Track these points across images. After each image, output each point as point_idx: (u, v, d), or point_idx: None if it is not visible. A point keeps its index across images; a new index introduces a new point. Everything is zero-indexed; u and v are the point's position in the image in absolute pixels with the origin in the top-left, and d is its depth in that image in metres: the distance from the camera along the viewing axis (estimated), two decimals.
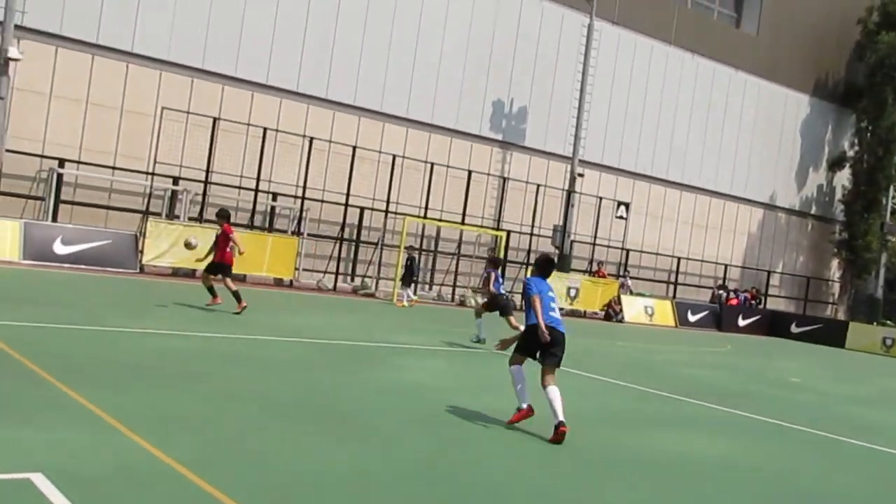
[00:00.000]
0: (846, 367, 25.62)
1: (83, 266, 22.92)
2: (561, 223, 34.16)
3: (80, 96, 26.50)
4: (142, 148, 27.10)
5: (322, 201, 29.76)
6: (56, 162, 25.25)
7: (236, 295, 16.47)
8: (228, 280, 16.69)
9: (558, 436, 8.53)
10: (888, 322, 45.04)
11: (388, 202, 30.18)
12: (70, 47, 26.14)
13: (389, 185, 30.06)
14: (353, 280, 30.17)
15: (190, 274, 24.90)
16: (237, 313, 16.15)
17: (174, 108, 26.43)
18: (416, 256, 28.64)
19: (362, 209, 30.34)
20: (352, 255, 30.84)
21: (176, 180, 26.64)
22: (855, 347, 34.32)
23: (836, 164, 46.97)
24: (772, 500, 7.64)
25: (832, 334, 35.08)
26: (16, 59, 23.13)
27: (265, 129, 27.29)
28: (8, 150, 23.62)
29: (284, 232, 28.36)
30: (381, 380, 11.17)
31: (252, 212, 27.53)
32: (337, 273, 28.97)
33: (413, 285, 26.15)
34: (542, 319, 8.84)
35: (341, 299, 25.65)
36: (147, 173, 26.48)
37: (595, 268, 34.47)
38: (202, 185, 26.46)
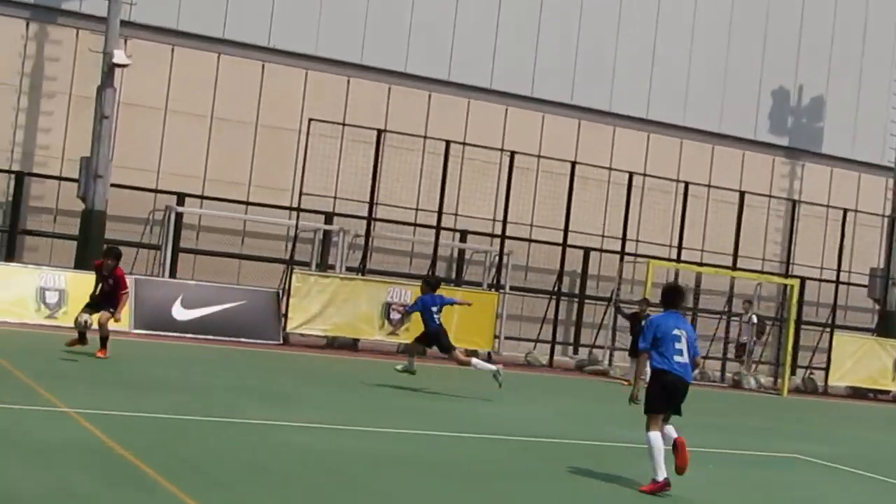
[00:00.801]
0: None
1: (209, 337, 23.68)
2: (882, 265, 32.78)
3: (203, 109, 27.69)
4: (283, 175, 28.01)
5: (530, 240, 29.87)
6: (174, 198, 26.40)
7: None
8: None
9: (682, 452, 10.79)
10: None
11: (623, 240, 29.77)
12: (189, 44, 27.38)
13: (626, 216, 29.69)
14: (576, 352, 29.94)
15: (350, 346, 25.33)
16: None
17: (324, 118, 27.15)
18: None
19: (587, 251, 30.20)
20: (573, 317, 30.69)
21: (329, 217, 27.34)
22: None
23: None
24: None
25: None
26: (122, 66, 24.44)
27: (448, 143, 27.58)
28: (114, 185, 24.92)
29: (478, 285, 28.59)
30: (621, 497, 10.85)
31: (433, 258, 27.81)
32: (553, 342, 28.89)
33: None
34: (639, 373, 11.23)
35: (560, 379, 25.49)
36: (290, 209, 27.28)
37: None
38: (364, 222, 26.93)
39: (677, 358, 10.73)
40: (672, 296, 11.19)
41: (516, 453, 12.85)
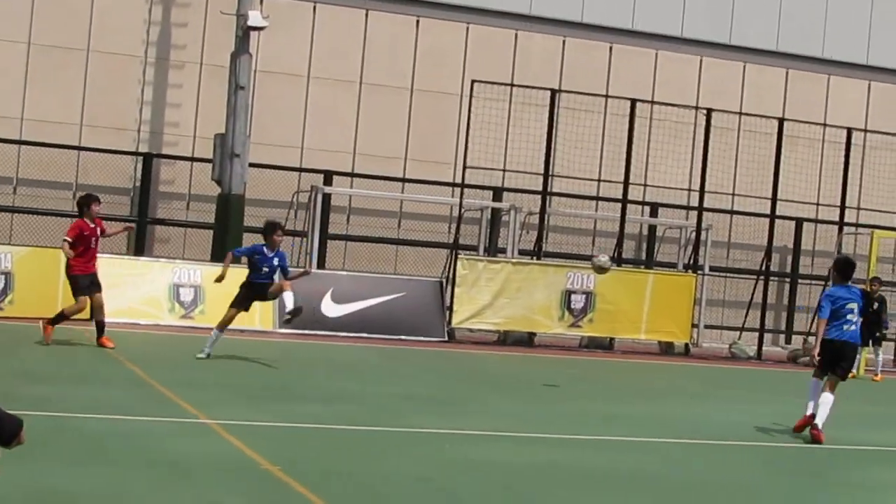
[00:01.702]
0: None
1: (364, 335, 23.62)
2: None
3: (350, 75, 27.52)
4: (443, 147, 27.87)
5: (732, 212, 29.62)
6: (320, 177, 26.40)
7: None
8: None
9: (812, 434, 13.34)
10: None
11: (842, 208, 28.68)
12: (332, 1, 27.36)
13: (844, 181, 28.61)
14: (788, 341, 29.74)
15: (525, 341, 25.02)
16: None
17: (489, 79, 26.79)
18: (885, 296, 27.07)
19: (799, 222, 29.90)
20: (784, 300, 30.35)
21: (497, 193, 27.18)
22: None
23: None
24: None
25: None
26: (259, 29, 24.33)
27: (633, 102, 26.89)
28: (252, 165, 24.84)
29: (672, 266, 28.33)
30: None
31: (619, 236, 27.25)
32: (762, 330, 28.24)
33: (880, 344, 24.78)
34: (819, 338, 13.69)
35: (772, 373, 24.84)
36: (453, 185, 27.13)
37: None
38: (538, 197, 26.60)
39: (845, 327, 13.75)
40: (846, 268, 14.18)
41: (755, 463, 12.07)
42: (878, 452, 13.72)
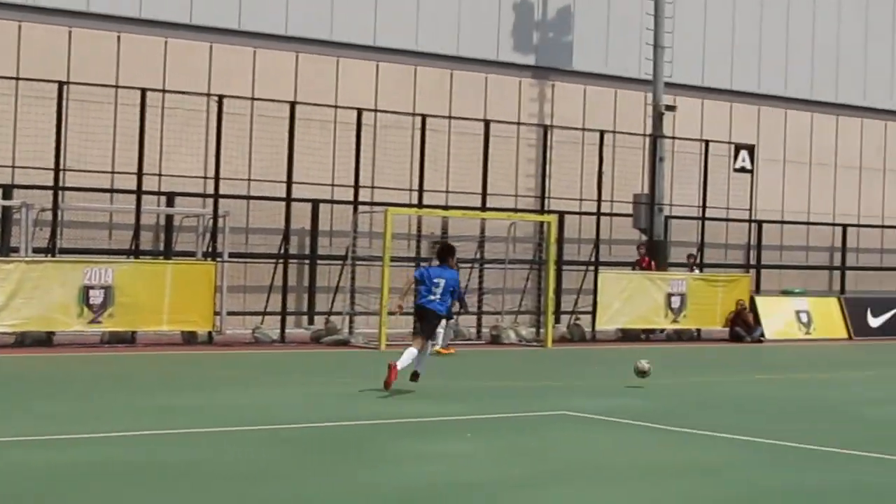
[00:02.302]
0: None
1: None
2: (646, 191, 34.56)
3: None
4: None
5: (248, 197, 30.21)
6: None
7: None
8: None
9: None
10: None
11: (356, 188, 30.35)
12: None
13: (357, 161, 30.26)
14: (311, 322, 30.39)
15: (45, 341, 25.20)
16: None
17: None
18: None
19: (315, 203, 30.68)
20: (305, 282, 31.14)
21: (7, 190, 27.03)
22: None
23: None
24: None
25: None
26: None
27: (144, 91, 27.26)
28: None
29: (192, 255, 28.68)
30: (391, 482, 11.58)
31: (136, 227, 27.80)
32: (283, 313, 29.38)
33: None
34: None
35: (296, 355, 26.23)
36: None
37: (643, 253, 34.34)
38: (50, 192, 26.63)
39: (429, 296, 18.29)
40: (444, 252, 19.17)
41: (271, 444, 13.38)
42: (418, 424, 15.29)
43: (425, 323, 18.46)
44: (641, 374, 20.23)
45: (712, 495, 11.22)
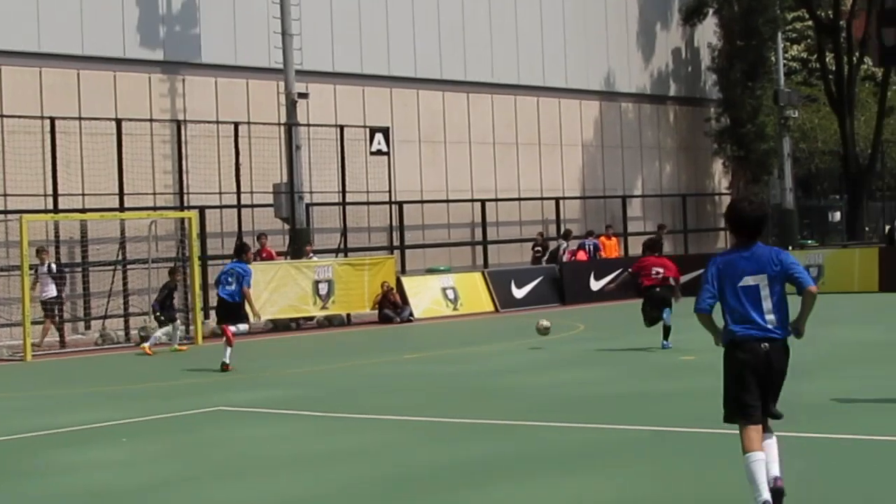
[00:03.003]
0: None
1: None
2: (285, 179, 34.79)
3: None
4: None
5: None
6: None
7: None
8: None
9: None
10: (808, 242, 48.69)
11: None
12: None
13: None
14: None
15: None
16: None
17: None
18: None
19: None
20: None
21: None
22: None
23: (693, 14, 50.11)
24: None
25: None
26: None
27: None
28: None
29: None
30: (33, 494, 11.42)
31: None
32: None
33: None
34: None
35: None
36: None
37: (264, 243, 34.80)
38: None
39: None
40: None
41: None
42: (70, 434, 15.10)
43: None
44: (543, 331, 23.38)
45: (371, 476, 11.48)
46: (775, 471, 8.98)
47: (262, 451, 13.15)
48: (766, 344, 8.96)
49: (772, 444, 9.09)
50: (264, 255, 33.51)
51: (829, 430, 12.69)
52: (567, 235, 41.75)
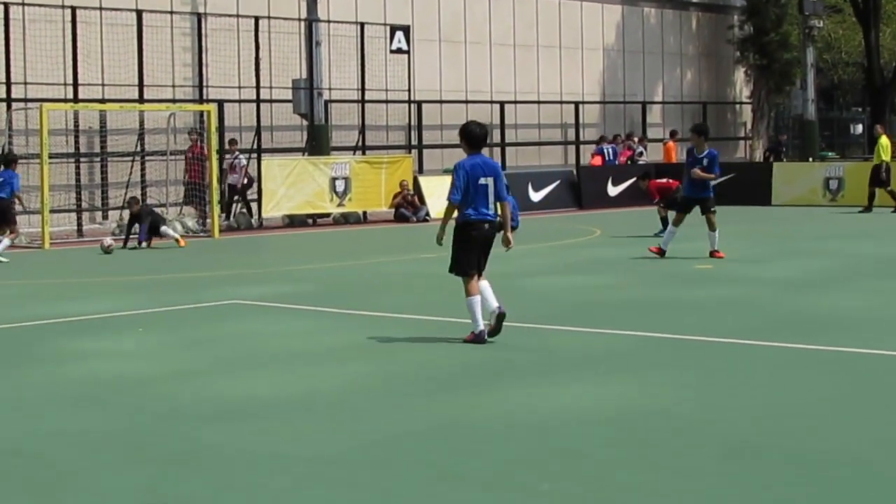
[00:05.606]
0: (777, 232, 27.94)
1: None
2: (305, 76, 34.75)
3: None
4: None
5: None
6: None
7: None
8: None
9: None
10: (829, 154, 48.58)
11: (7, 84, 29.86)
12: None
13: (6, 55, 29.66)
14: None
15: None
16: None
17: None
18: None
19: None
20: None
21: None
22: (785, 201, 37.06)
23: None
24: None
25: (751, 186, 37.65)
26: None
27: None
28: None
29: None
30: (52, 380, 11.64)
31: None
32: None
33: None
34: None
35: None
36: None
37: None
38: None
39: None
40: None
41: None
42: (87, 322, 15.19)
43: None
44: (106, 250, 24.54)
45: (384, 372, 11.63)
46: (495, 301, 12.72)
47: (277, 345, 13.22)
48: (488, 225, 12.77)
49: (486, 285, 12.82)
50: (196, 151, 32.13)
51: (855, 344, 12.63)
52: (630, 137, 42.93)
